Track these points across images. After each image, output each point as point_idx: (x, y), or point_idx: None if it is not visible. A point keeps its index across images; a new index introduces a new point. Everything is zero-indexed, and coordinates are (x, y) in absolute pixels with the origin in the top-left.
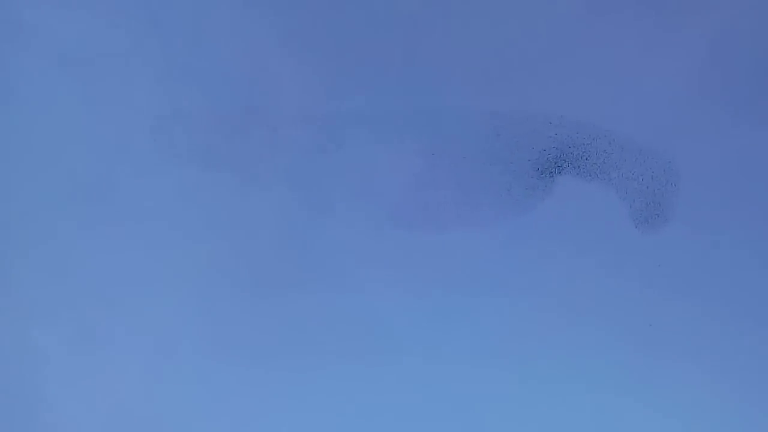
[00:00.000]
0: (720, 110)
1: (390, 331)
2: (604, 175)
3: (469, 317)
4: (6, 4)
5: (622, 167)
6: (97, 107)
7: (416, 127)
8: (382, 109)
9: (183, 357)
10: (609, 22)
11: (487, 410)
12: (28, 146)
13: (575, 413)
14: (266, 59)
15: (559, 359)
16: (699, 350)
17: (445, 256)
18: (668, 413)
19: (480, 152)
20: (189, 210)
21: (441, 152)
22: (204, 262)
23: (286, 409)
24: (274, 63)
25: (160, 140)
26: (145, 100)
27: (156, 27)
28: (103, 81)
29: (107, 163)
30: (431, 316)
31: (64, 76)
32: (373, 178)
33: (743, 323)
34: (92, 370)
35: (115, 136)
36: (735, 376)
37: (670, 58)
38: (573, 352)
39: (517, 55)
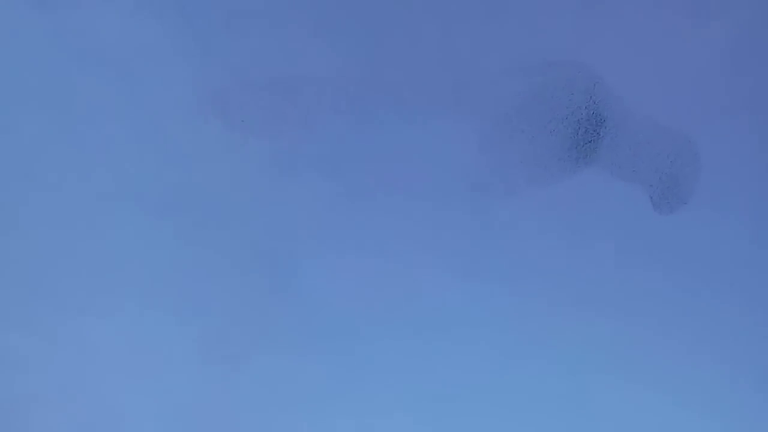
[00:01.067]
0: (744, 93)
1: (432, 312)
2: (628, 154)
3: (506, 300)
4: (44, 8)
5: (646, 146)
6: (133, 102)
7: (452, 105)
8: (416, 89)
9: (217, 349)
10: (631, 13)
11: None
12: (65, 139)
13: (595, 402)
14: (298, 42)
15: (575, 350)
16: (716, 336)
17: (483, 236)
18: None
19: (514, 127)
20: (222, 199)
21: (478, 129)
22: (238, 250)
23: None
24: (306, 47)
25: (195, 130)
26: (180, 91)
27: (187, 16)
28: (140, 77)
29: (138, 155)
30: (471, 298)
31: (101, 72)
32: (409, 158)
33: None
34: (82, 375)
35: (151, 129)
36: (756, 368)
37: (697, 39)
38: (585, 342)
39: (549, 31)
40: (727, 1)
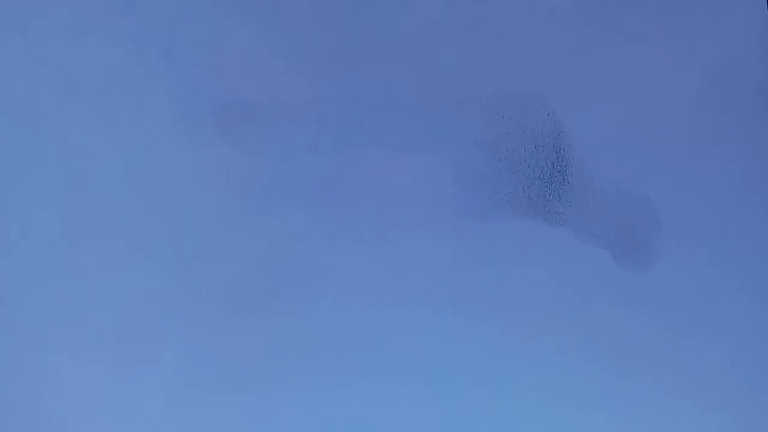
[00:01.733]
0: (705, 153)
1: (392, 348)
2: (593, 213)
3: (471, 334)
4: (21, 36)
5: (608, 206)
6: (109, 137)
7: (427, 140)
8: (396, 132)
9: (199, 378)
10: (599, 58)
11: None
12: (42, 173)
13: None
14: (277, 79)
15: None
16: (682, 384)
17: (457, 271)
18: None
19: (486, 162)
20: (199, 234)
21: (452, 162)
22: (214, 286)
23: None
24: (286, 89)
25: (171, 165)
26: (157, 125)
27: (167, 55)
28: (116, 111)
29: (117, 191)
30: (441, 333)
31: (78, 104)
32: (386, 193)
33: (729, 356)
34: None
35: (127, 164)
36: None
37: (658, 96)
38: (570, 381)
39: (517, 80)
40: (686, 64)
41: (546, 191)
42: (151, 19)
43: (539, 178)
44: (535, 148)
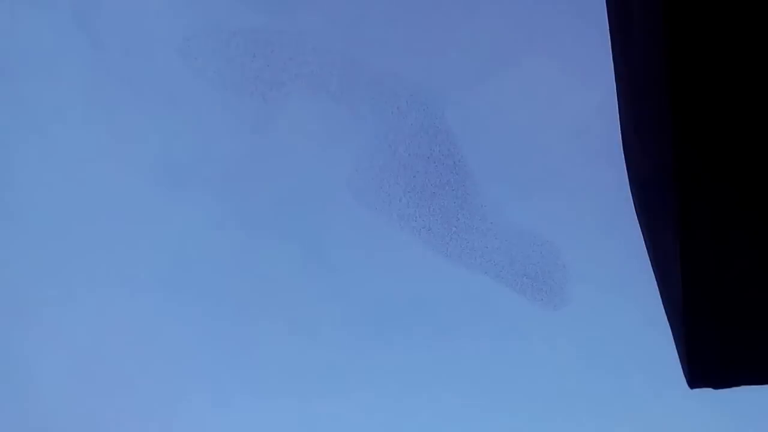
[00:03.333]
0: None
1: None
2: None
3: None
4: None
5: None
6: (23, 114)
7: (337, 136)
8: (312, 118)
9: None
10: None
11: None
12: None
13: None
14: (195, 60)
15: None
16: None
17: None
18: None
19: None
20: (108, 208)
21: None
22: (121, 260)
23: None
24: (203, 63)
25: (89, 148)
26: (69, 97)
27: (85, 31)
28: (31, 85)
29: (30, 175)
30: (371, 342)
31: None
32: (304, 190)
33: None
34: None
35: (41, 146)
36: None
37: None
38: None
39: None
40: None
41: (443, 204)
42: None
43: (439, 186)
44: (429, 157)
